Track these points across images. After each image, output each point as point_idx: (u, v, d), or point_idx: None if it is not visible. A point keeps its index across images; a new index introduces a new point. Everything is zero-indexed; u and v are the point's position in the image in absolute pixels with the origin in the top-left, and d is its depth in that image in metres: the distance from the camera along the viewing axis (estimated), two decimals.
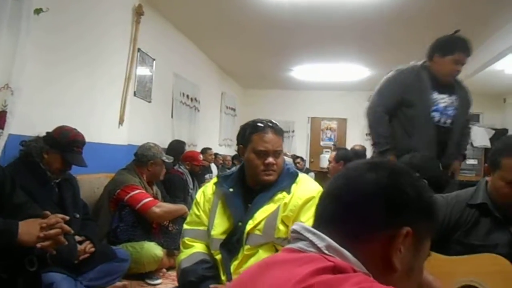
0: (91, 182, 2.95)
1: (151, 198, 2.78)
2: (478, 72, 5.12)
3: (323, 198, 0.71)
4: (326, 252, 0.61)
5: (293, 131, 8.63)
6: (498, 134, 6.36)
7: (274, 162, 1.55)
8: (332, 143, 8.20)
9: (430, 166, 1.97)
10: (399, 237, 0.62)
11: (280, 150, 1.59)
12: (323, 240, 0.62)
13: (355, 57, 5.91)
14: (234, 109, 8.06)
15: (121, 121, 3.66)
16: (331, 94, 8.33)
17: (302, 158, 7.40)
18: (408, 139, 2.37)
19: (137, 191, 2.76)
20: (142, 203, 2.71)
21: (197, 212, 1.72)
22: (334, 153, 3.77)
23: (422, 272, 0.69)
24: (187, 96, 5.76)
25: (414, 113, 2.37)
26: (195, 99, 5.99)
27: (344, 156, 3.73)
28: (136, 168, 3.02)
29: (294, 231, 0.67)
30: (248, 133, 1.62)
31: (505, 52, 4.45)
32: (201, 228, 1.68)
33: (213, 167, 5.92)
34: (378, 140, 2.44)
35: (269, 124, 1.61)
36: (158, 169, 3.06)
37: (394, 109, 2.44)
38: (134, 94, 4.21)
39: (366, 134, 8.18)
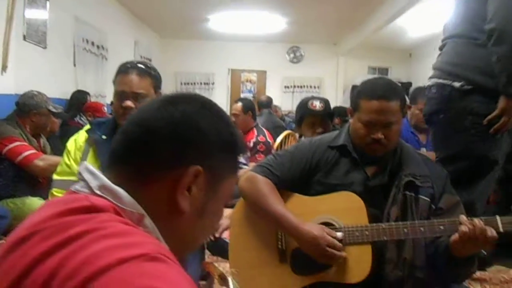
0: None
1: (33, 151, 2.58)
2: (382, 28, 5.33)
3: (117, 134, 0.66)
4: (98, 192, 0.57)
5: (213, 83, 8.51)
6: (404, 87, 6.79)
7: (132, 106, 1.48)
8: (252, 95, 8.23)
9: None
10: (186, 177, 0.59)
11: (143, 92, 1.51)
12: (97, 180, 0.58)
13: (272, 4, 5.82)
14: (150, 59, 7.67)
15: (4, 68, 3.29)
16: (250, 46, 8.25)
17: None
18: None
19: (17, 143, 2.54)
20: (22, 156, 2.51)
21: (67, 162, 1.63)
22: (240, 104, 3.62)
23: (219, 214, 0.68)
24: (92, 43, 5.33)
25: None
26: (102, 46, 5.57)
27: (251, 106, 3.65)
28: (18, 118, 2.76)
29: (78, 172, 0.62)
30: (115, 75, 1.57)
31: (406, 7, 4.64)
32: (72, 178, 1.59)
33: None
34: None
35: (129, 65, 1.53)
36: (44, 119, 2.82)
37: None
38: (24, 38, 3.79)
39: (285, 87, 8.36)
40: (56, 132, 3.50)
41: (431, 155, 2.55)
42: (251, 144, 3.34)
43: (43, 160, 2.55)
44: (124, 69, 1.52)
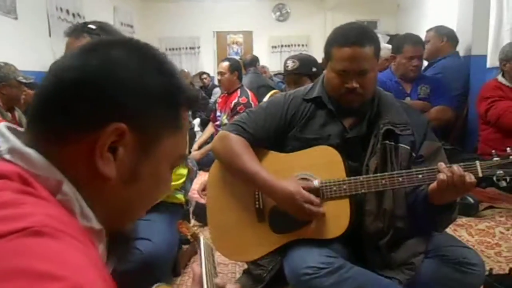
0: None
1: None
2: None
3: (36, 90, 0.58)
4: (7, 156, 0.49)
5: (198, 47, 8.27)
6: (392, 40, 6.62)
7: None
8: (239, 57, 8.03)
9: None
10: (103, 137, 0.50)
11: None
12: (7, 142, 0.50)
13: None
14: (131, 26, 7.41)
15: None
16: (234, 6, 7.96)
17: (208, 74, 7.21)
18: None
19: None
20: None
21: None
22: (227, 63, 3.48)
23: (162, 177, 0.58)
24: (67, 11, 5.09)
25: None
26: (78, 14, 5.33)
27: (238, 66, 3.54)
28: None
29: None
30: None
31: None
32: None
33: None
34: None
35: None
36: (15, 91, 2.71)
37: None
38: None
39: (272, 47, 8.14)
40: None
41: (416, 104, 2.50)
42: (232, 105, 3.26)
43: None
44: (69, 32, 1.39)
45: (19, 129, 0.56)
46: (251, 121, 1.47)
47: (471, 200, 2.28)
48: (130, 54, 0.55)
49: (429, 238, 1.41)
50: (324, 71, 1.49)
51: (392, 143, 1.41)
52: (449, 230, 2.05)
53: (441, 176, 1.19)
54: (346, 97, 1.39)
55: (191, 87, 0.65)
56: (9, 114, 2.69)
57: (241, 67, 3.73)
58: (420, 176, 1.28)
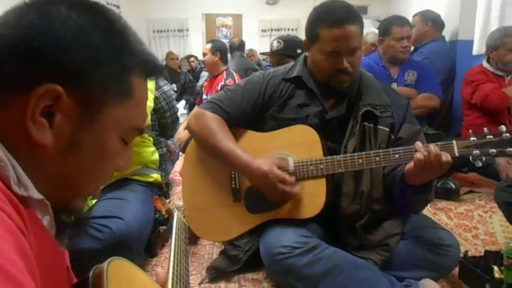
0: None
1: None
2: None
3: None
4: None
5: (187, 30, 8.11)
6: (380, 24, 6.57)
7: None
8: (228, 41, 7.92)
9: None
10: (34, 98, 0.45)
11: None
12: None
13: None
14: (118, 6, 7.23)
15: None
16: None
17: (196, 57, 7.09)
18: None
19: None
20: None
21: None
22: (209, 44, 3.48)
23: (108, 149, 0.53)
24: None
25: None
26: None
27: (221, 48, 3.50)
28: None
29: None
30: None
31: None
32: None
33: None
34: None
35: None
36: None
37: None
38: None
39: (262, 30, 8.04)
40: None
41: (403, 90, 2.47)
42: (219, 87, 3.20)
43: None
44: None
45: None
46: (228, 99, 1.43)
47: (452, 185, 2.29)
48: (72, 11, 0.50)
49: (405, 220, 1.40)
50: (306, 53, 1.45)
51: (371, 125, 1.39)
52: (428, 213, 2.06)
53: (418, 155, 1.17)
54: (337, 78, 1.35)
55: (150, 53, 0.58)
56: None
57: (226, 50, 3.67)
58: (396, 155, 1.26)
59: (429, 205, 2.13)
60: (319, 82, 1.41)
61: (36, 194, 0.48)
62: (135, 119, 0.55)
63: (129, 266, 0.63)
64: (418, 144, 1.21)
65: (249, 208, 1.41)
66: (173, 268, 0.71)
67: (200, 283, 1.47)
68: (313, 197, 1.33)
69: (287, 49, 2.53)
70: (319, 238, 1.31)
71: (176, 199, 2.32)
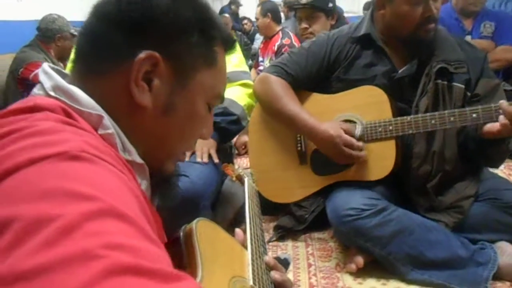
0: None
1: None
2: None
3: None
4: (52, 93, 0.50)
5: None
6: None
7: None
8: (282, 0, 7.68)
9: None
10: (137, 64, 0.51)
11: None
12: (51, 80, 0.52)
13: None
14: None
15: None
16: None
17: (249, 19, 6.99)
18: None
19: None
20: None
21: None
22: (259, 7, 3.43)
23: (196, 114, 0.57)
24: None
25: None
26: None
27: (271, 8, 3.44)
28: (41, 43, 2.77)
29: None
30: None
31: None
32: None
33: None
34: None
35: None
36: (68, 43, 2.81)
37: None
38: None
39: None
40: None
41: (478, 43, 2.28)
42: (275, 48, 3.16)
43: None
44: None
45: (64, 71, 0.58)
46: (292, 62, 1.42)
47: None
48: None
49: (479, 181, 1.35)
50: (380, 11, 1.35)
51: (445, 82, 1.31)
52: (503, 174, 1.94)
53: (503, 119, 1.10)
54: (426, 28, 1.27)
55: (226, 27, 0.64)
56: (61, 64, 2.80)
57: (278, 9, 3.59)
58: (474, 115, 1.19)
59: (503, 166, 2.01)
60: (403, 37, 1.31)
61: (138, 159, 0.53)
62: (218, 86, 0.60)
63: (213, 225, 0.68)
64: (503, 102, 1.12)
65: (315, 170, 1.43)
66: (250, 229, 0.75)
67: (268, 241, 1.53)
68: (381, 160, 1.31)
69: (318, 1, 2.27)
70: (388, 201, 1.30)
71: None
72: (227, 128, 1.52)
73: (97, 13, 0.55)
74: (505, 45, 2.31)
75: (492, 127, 1.15)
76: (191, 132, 0.60)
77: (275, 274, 0.66)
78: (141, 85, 0.51)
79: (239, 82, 1.59)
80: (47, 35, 2.78)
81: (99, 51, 0.53)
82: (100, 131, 0.49)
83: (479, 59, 1.36)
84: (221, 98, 0.62)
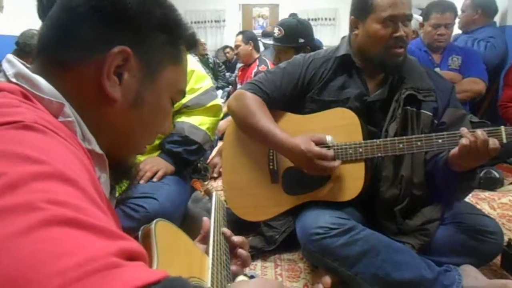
0: None
1: None
2: None
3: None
4: (14, 80, 0.51)
5: (224, 21, 8.18)
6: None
7: None
8: (262, 31, 7.90)
9: None
10: (109, 58, 0.52)
11: None
12: (13, 68, 0.53)
13: None
14: None
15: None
16: None
17: (232, 48, 7.13)
18: None
19: None
20: None
21: None
22: (240, 36, 3.56)
23: (162, 108, 0.61)
24: None
25: None
26: None
27: (253, 37, 3.56)
28: (20, 59, 2.73)
29: None
30: None
31: None
32: None
33: None
34: None
35: None
36: None
37: None
38: None
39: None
40: None
41: (446, 74, 2.39)
42: (253, 75, 3.23)
43: None
44: None
45: (28, 65, 0.59)
46: (268, 81, 1.45)
47: (496, 174, 2.20)
48: None
49: (445, 205, 1.38)
50: (355, 32, 1.41)
51: (414, 109, 1.36)
52: (470, 202, 1.99)
53: (464, 141, 1.14)
54: (394, 52, 1.32)
55: (191, 29, 0.68)
56: None
57: (257, 38, 3.71)
58: (440, 140, 1.23)
59: (470, 194, 2.07)
60: (373, 58, 1.36)
61: (97, 149, 0.54)
62: (182, 83, 0.64)
63: (175, 228, 0.67)
64: (464, 129, 1.17)
65: (286, 189, 1.43)
66: (213, 236, 0.74)
67: None
68: (351, 181, 1.33)
69: (285, 39, 2.34)
70: (357, 222, 1.31)
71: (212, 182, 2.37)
72: (187, 158, 1.53)
73: (66, 7, 0.55)
74: (471, 77, 2.43)
75: (454, 151, 1.19)
76: (155, 125, 0.62)
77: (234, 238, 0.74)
78: (112, 78, 0.53)
79: (206, 105, 1.59)
80: (25, 50, 2.76)
81: (66, 44, 0.54)
82: (60, 119, 0.49)
83: (447, 89, 1.42)
84: (183, 94, 0.66)
